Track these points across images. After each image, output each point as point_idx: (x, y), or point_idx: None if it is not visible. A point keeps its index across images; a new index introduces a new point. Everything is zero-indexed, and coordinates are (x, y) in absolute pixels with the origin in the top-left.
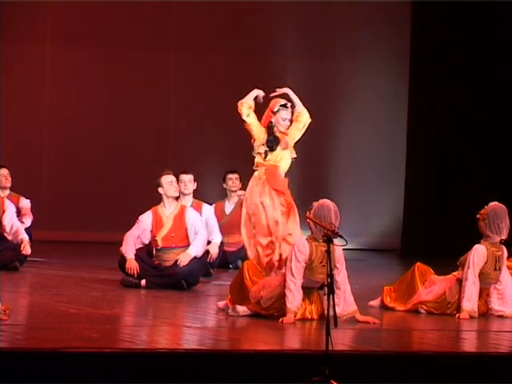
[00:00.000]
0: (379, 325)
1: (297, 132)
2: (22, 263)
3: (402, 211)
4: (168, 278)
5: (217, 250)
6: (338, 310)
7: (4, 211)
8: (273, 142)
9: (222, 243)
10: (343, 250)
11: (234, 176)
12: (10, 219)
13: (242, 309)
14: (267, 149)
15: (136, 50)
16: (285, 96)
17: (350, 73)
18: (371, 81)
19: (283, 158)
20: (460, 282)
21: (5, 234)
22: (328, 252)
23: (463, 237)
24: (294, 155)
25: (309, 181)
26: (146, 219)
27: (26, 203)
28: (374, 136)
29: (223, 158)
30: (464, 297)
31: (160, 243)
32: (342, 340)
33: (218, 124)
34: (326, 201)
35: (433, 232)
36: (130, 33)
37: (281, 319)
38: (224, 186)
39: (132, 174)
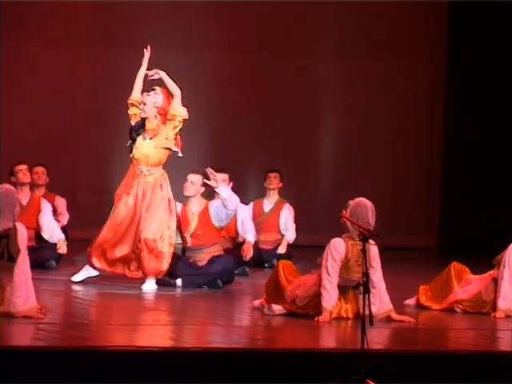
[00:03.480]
0: (415, 324)
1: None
2: (58, 262)
3: (438, 210)
4: (203, 277)
5: (251, 250)
6: (373, 309)
7: (40, 210)
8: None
9: (256, 242)
10: (378, 248)
11: (273, 174)
12: (47, 218)
13: (277, 308)
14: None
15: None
16: (160, 82)
17: (385, 73)
18: (407, 78)
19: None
20: (496, 281)
21: (41, 233)
22: (364, 251)
23: (499, 236)
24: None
25: (342, 180)
26: (178, 206)
27: (61, 202)
28: (408, 133)
29: (261, 158)
30: (500, 296)
31: (189, 241)
32: (378, 339)
33: (256, 123)
34: (363, 199)
35: (469, 231)
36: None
37: (316, 318)
38: (265, 184)
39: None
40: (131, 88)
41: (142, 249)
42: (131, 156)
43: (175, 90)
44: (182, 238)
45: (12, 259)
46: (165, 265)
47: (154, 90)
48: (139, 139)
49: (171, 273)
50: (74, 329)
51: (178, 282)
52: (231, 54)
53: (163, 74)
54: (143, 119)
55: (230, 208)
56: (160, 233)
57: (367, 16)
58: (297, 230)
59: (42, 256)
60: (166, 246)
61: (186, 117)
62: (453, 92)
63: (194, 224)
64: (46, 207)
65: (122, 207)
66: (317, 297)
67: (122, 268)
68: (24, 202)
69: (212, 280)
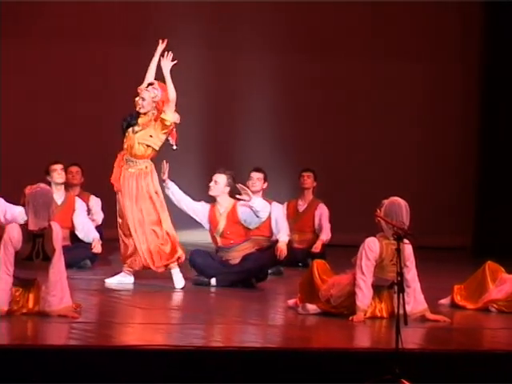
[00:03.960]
0: (449, 323)
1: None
2: (92, 261)
3: (472, 209)
4: (237, 275)
5: (285, 249)
6: (407, 309)
7: (75, 210)
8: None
9: (290, 241)
10: (413, 248)
11: (307, 174)
12: (81, 218)
13: (311, 307)
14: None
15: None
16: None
17: (417, 73)
18: (438, 78)
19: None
20: None
21: (76, 233)
22: (398, 250)
23: None
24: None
25: (376, 180)
26: (205, 207)
27: (96, 201)
28: (443, 133)
29: (297, 157)
30: None
31: (219, 241)
32: (412, 338)
33: (293, 121)
34: (397, 199)
35: (504, 230)
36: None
37: (351, 317)
38: (299, 184)
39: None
40: (134, 86)
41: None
42: None
43: (172, 93)
44: (212, 238)
45: (47, 258)
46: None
47: (151, 84)
48: (130, 130)
49: (205, 272)
50: (108, 328)
51: (213, 281)
52: (270, 54)
53: (167, 72)
54: (138, 112)
55: (261, 216)
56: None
57: (398, 16)
58: (331, 230)
59: (77, 255)
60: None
61: (178, 121)
62: (488, 92)
63: (222, 224)
64: (81, 206)
65: (120, 209)
66: (351, 296)
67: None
68: (59, 202)
69: (246, 278)
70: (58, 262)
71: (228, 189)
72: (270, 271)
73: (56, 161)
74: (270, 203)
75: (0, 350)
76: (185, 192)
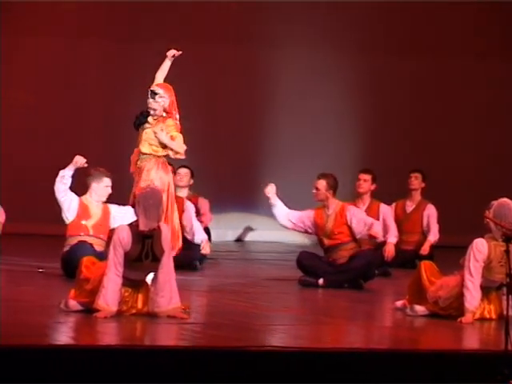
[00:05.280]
0: None
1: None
2: (201, 262)
3: None
4: (345, 274)
5: (393, 250)
6: None
7: (183, 211)
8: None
9: (397, 242)
10: None
11: (415, 175)
12: (190, 219)
13: (420, 308)
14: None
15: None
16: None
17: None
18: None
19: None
20: None
21: (184, 234)
22: (507, 252)
23: None
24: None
25: (485, 181)
26: (309, 213)
27: (204, 203)
28: (496, 130)
29: (406, 157)
30: None
31: (326, 242)
32: None
33: (402, 124)
34: (507, 200)
35: None
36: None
37: (459, 319)
38: (408, 185)
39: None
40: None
41: None
42: None
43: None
44: (319, 240)
45: (156, 259)
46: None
47: (156, 94)
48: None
49: (312, 272)
50: (217, 329)
51: (320, 281)
52: (356, 54)
53: (167, 64)
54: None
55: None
56: None
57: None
58: (439, 231)
59: (186, 256)
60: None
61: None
62: None
63: (330, 225)
64: (190, 208)
65: None
66: (459, 298)
67: None
68: None
69: (353, 277)
70: (167, 263)
71: (332, 191)
72: (377, 272)
73: None
74: (378, 205)
75: (109, 350)
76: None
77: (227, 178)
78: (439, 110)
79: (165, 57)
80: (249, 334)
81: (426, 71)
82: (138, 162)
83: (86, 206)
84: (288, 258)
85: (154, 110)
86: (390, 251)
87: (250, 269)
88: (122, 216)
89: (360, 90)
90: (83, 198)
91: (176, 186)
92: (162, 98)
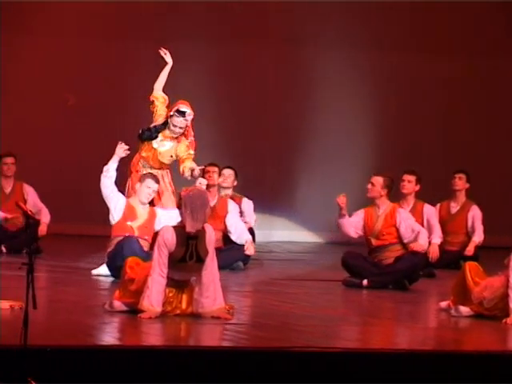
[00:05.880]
0: None
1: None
2: (245, 263)
3: None
4: (390, 275)
5: (437, 251)
6: None
7: (227, 212)
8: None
9: (442, 243)
10: None
11: (459, 175)
12: (234, 220)
13: (464, 309)
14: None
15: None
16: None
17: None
18: None
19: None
20: None
21: (229, 235)
22: None
23: None
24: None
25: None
26: (360, 215)
27: (248, 203)
28: None
29: (449, 158)
30: None
31: (373, 242)
32: None
33: (440, 124)
34: None
35: None
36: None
37: (504, 320)
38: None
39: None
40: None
41: None
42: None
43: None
44: (367, 240)
45: (200, 260)
46: None
47: (185, 112)
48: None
49: (357, 273)
50: (261, 329)
51: (365, 282)
52: (382, 52)
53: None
54: (163, 124)
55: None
56: None
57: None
58: (484, 232)
59: (230, 257)
60: None
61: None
62: None
63: (379, 225)
64: (233, 208)
65: None
66: (504, 298)
67: None
68: (211, 204)
69: (398, 279)
70: (211, 263)
71: (386, 191)
72: (421, 273)
73: (211, 163)
74: (423, 206)
75: (154, 350)
76: None
77: (272, 180)
78: (479, 109)
79: (162, 58)
80: (292, 334)
81: (472, 71)
82: (141, 167)
83: (132, 208)
84: (328, 258)
85: (181, 128)
86: (434, 252)
87: (293, 269)
88: (168, 219)
89: (394, 91)
90: (130, 199)
91: (220, 187)
92: (190, 116)
